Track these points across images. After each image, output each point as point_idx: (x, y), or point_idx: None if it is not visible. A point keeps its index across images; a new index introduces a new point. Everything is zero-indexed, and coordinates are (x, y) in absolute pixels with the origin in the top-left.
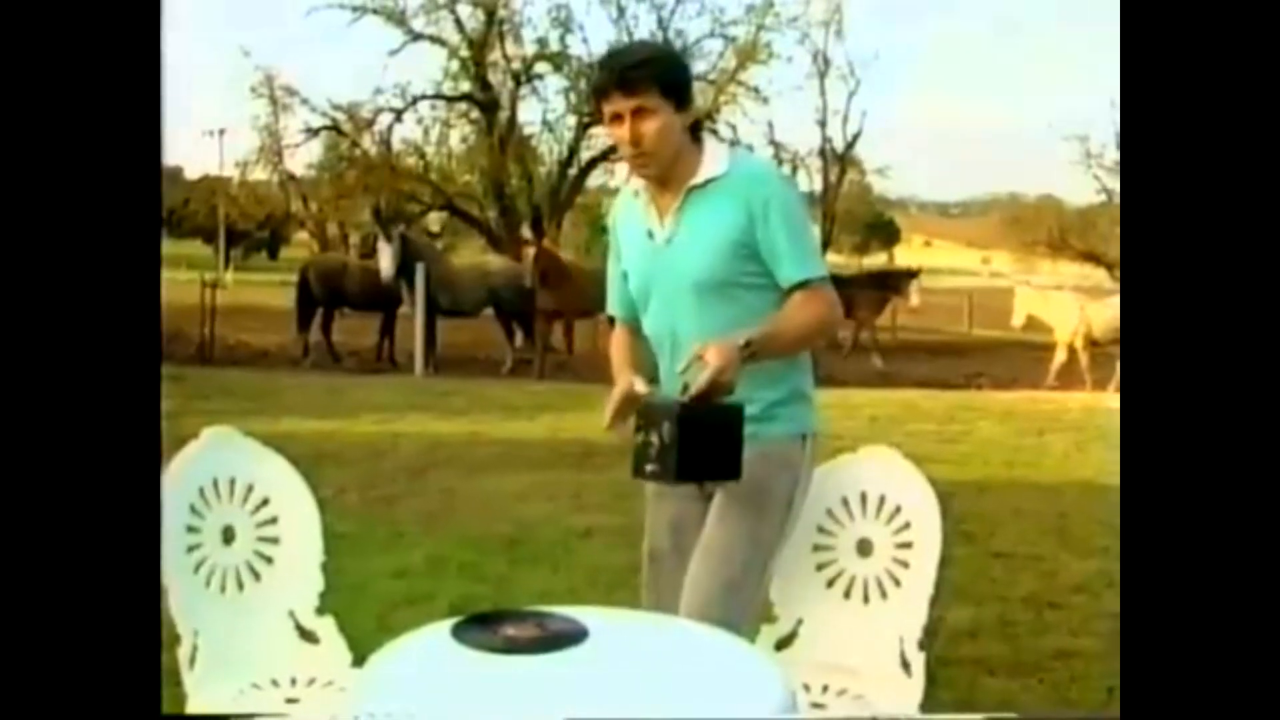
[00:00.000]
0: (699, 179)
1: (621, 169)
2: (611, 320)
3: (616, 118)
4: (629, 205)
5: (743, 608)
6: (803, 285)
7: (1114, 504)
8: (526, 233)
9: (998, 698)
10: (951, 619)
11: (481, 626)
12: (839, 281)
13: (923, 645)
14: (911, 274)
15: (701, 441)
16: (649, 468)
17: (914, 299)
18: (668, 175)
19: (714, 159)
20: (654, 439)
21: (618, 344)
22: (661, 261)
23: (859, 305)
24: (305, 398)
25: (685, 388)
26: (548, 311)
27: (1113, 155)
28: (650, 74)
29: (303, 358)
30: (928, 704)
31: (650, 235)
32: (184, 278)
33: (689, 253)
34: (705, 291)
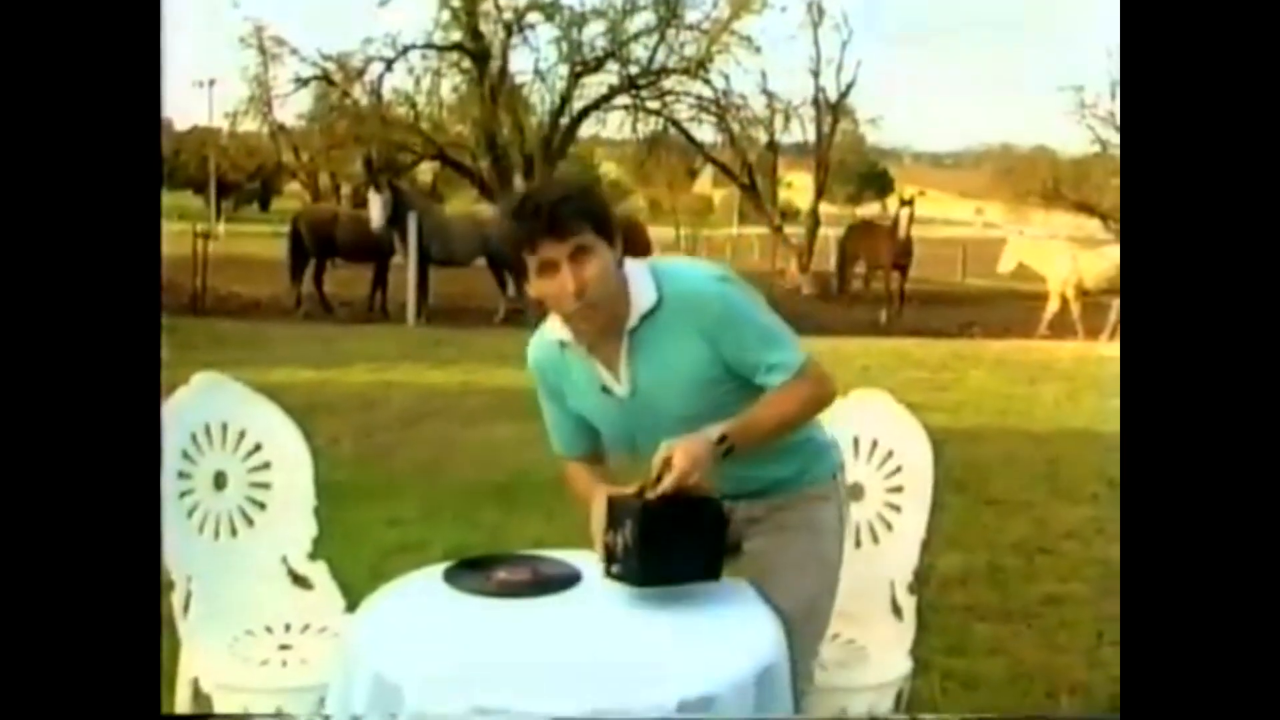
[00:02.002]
0: (634, 320)
1: (614, 119)
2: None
3: (548, 267)
4: (560, 357)
5: (819, 633)
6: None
7: (1104, 451)
8: (520, 182)
9: (988, 643)
10: (942, 565)
11: (474, 571)
12: (869, 230)
13: (914, 590)
14: (905, 202)
15: (670, 542)
16: (614, 569)
17: (901, 231)
18: (609, 323)
19: (641, 290)
20: (619, 539)
21: (579, 476)
22: (635, 414)
23: (881, 255)
24: (298, 348)
25: (658, 480)
26: None
27: (1107, 106)
28: (580, 209)
29: (295, 308)
30: (919, 650)
31: (607, 390)
32: (175, 229)
33: (664, 400)
34: (697, 422)
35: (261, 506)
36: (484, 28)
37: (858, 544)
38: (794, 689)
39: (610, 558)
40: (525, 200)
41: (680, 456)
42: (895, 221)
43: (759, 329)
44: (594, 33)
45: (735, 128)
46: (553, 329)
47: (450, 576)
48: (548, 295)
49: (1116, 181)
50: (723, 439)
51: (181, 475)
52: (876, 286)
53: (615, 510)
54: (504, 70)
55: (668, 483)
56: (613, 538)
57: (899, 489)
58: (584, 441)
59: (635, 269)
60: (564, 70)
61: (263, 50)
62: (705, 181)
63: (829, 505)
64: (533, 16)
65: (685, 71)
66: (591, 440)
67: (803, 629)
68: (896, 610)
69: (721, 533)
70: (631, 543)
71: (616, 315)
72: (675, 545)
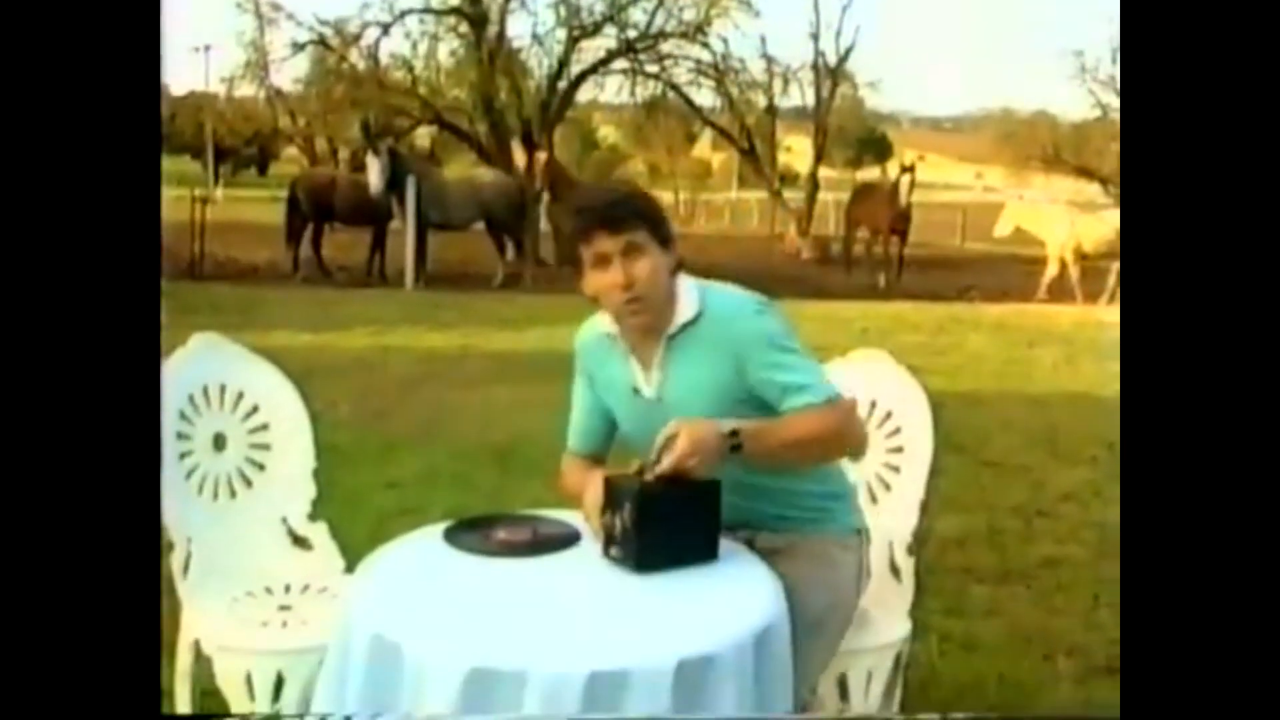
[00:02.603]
0: (674, 327)
1: (612, 83)
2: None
3: (601, 261)
4: (603, 347)
5: (826, 649)
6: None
7: (1102, 415)
8: (518, 147)
9: (986, 605)
10: (941, 528)
11: (474, 530)
12: (870, 193)
13: (912, 551)
14: (905, 169)
15: (667, 525)
16: (613, 551)
17: (901, 198)
18: (653, 323)
19: (686, 301)
20: (617, 521)
21: (574, 470)
22: (658, 419)
23: (880, 219)
24: (296, 312)
25: (657, 460)
26: (556, 224)
27: (1108, 70)
28: (635, 209)
29: (293, 273)
30: (917, 611)
31: (637, 391)
32: (173, 194)
33: (686, 410)
34: None
35: (261, 468)
36: None
37: None
38: (796, 696)
39: (608, 540)
40: (585, 197)
41: (685, 437)
42: (895, 187)
43: (787, 355)
44: None
45: (734, 92)
46: (604, 320)
47: (450, 536)
48: (599, 288)
49: (1117, 146)
50: (734, 434)
51: (180, 436)
52: (876, 251)
53: (613, 492)
54: (501, 34)
55: (667, 463)
56: (610, 520)
57: (898, 450)
58: (596, 439)
59: (686, 282)
60: (562, 34)
61: (259, 15)
62: (704, 146)
63: (849, 553)
64: None
65: (684, 35)
66: (603, 441)
67: (807, 644)
68: (895, 571)
69: (719, 513)
70: (630, 526)
71: (661, 318)
72: (674, 528)
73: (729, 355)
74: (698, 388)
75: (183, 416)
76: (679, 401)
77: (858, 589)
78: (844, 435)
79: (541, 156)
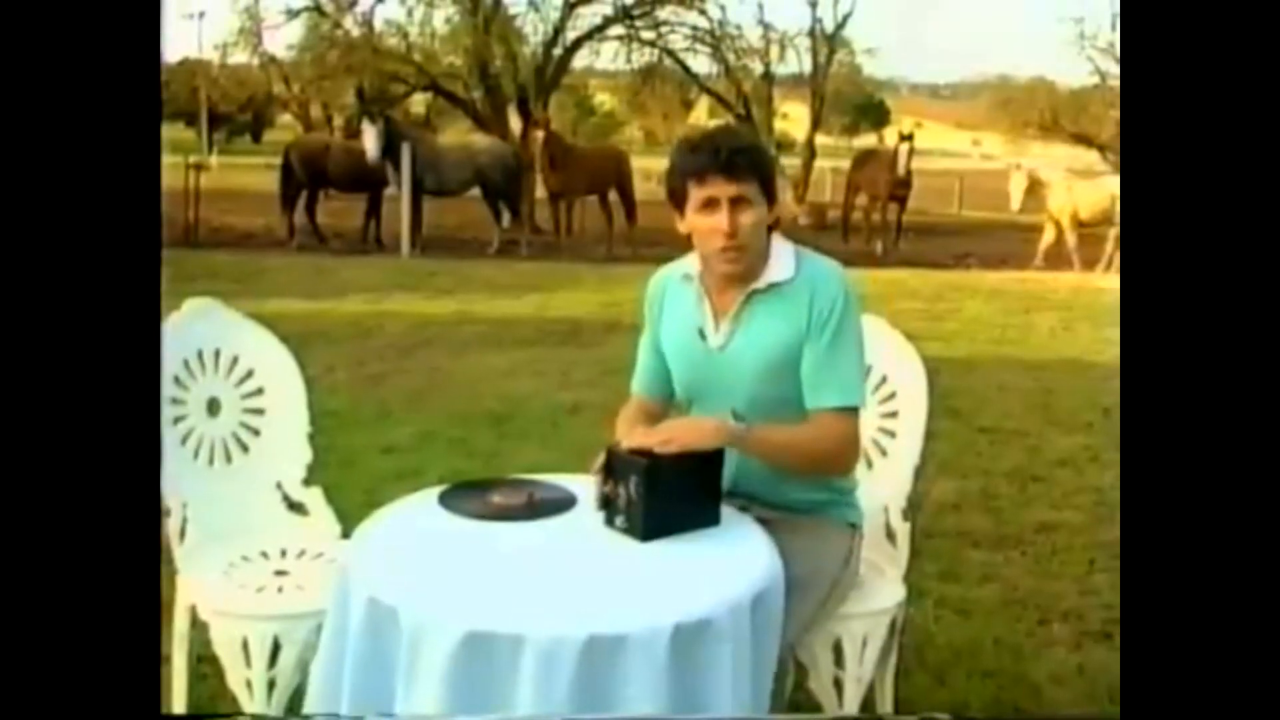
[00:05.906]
0: (762, 283)
1: (608, 49)
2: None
3: (710, 203)
4: (677, 289)
5: (802, 618)
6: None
7: (1098, 380)
8: (513, 114)
9: (981, 570)
10: (936, 493)
11: (470, 494)
12: (871, 158)
13: (907, 516)
14: (904, 137)
15: (673, 496)
16: (619, 522)
17: (900, 166)
18: (742, 274)
19: (780, 261)
20: (621, 491)
21: (626, 414)
22: (714, 368)
23: (879, 185)
24: (292, 278)
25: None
26: (553, 192)
27: (1108, 37)
28: (754, 162)
29: (288, 239)
30: (912, 576)
31: (702, 335)
32: (168, 161)
33: (746, 365)
34: (762, 407)
35: (256, 433)
36: None
37: None
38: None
39: (612, 510)
40: (707, 137)
41: (686, 425)
42: (895, 154)
43: (845, 351)
44: None
45: (731, 58)
46: (687, 262)
47: (446, 500)
48: (700, 229)
49: (1115, 113)
50: (745, 432)
51: (175, 401)
52: (874, 217)
53: (618, 463)
54: (497, 0)
55: (653, 440)
56: (614, 490)
57: (893, 414)
58: (655, 382)
59: (783, 244)
60: (558, 0)
61: None
62: (700, 112)
63: (840, 536)
64: None
65: (680, 1)
66: (661, 385)
67: (787, 603)
68: (890, 536)
69: (719, 479)
70: (636, 498)
71: (751, 269)
72: (679, 499)
73: (804, 319)
74: (765, 346)
75: (177, 381)
76: (743, 354)
77: (845, 569)
78: (841, 452)
79: (539, 135)
